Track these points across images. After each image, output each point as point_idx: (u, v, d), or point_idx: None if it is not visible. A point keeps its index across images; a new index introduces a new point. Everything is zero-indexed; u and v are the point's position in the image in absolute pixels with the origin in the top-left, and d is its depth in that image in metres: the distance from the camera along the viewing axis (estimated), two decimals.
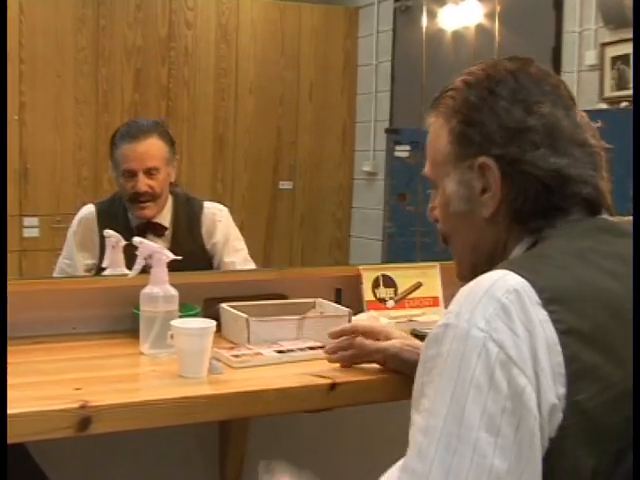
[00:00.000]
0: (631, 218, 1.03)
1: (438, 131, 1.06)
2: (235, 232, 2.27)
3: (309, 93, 4.62)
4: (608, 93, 3.32)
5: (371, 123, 4.62)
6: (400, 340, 1.37)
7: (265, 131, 4.52)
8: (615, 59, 3.30)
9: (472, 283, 0.88)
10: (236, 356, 1.47)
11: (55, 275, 2.13)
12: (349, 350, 1.41)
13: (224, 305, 1.69)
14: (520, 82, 1.01)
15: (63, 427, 1.16)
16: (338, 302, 1.79)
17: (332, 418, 1.58)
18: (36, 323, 1.59)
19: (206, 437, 1.85)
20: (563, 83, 1.05)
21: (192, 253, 2.07)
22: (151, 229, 2.13)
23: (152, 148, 2.11)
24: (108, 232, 1.87)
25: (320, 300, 1.79)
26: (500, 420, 0.79)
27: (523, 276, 0.85)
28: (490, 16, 3.81)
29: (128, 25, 4.14)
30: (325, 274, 1.96)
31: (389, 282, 1.95)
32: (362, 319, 1.76)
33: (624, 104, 3.12)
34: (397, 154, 4.18)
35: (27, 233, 3.98)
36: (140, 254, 1.56)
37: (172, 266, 1.55)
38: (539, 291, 0.83)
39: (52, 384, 1.31)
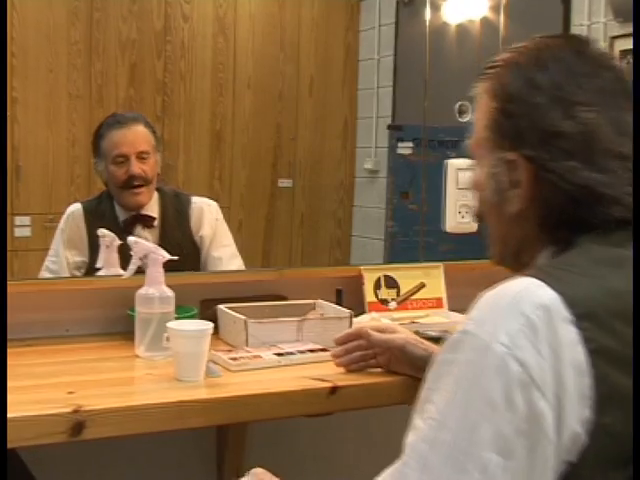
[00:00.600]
0: None
1: (482, 107, 1.02)
2: (223, 227, 2.30)
3: (309, 88, 4.61)
4: None
5: (373, 119, 4.61)
6: (406, 333, 1.39)
7: (264, 127, 4.51)
8: (624, 52, 3.30)
9: (496, 291, 0.85)
10: (234, 359, 1.47)
11: (41, 275, 2.15)
12: (355, 352, 1.42)
13: (222, 306, 1.69)
14: (569, 72, 0.94)
15: (56, 432, 1.16)
16: (339, 303, 1.79)
17: (332, 423, 1.58)
18: (28, 325, 1.59)
19: (203, 442, 1.85)
20: (622, 74, 0.98)
21: (181, 245, 2.14)
22: (140, 221, 2.17)
23: (141, 133, 2.20)
24: (102, 231, 1.88)
25: (320, 301, 1.79)
26: (513, 442, 0.77)
27: (553, 287, 0.82)
28: (495, 9, 3.80)
29: (123, 18, 4.14)
30: (325, 274, 1.96)
31: (391, 283, 1.95)
32: (364, 321, 1.77)
33: None
34: (400, 151, 4.17)
35: (19, 232, 3.97)
36: (135, 254, 1.56)
37: (166, 264, 1.56)
38: (569, 306, 0.80)
39: (44, 388, 1.31)
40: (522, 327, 0.79)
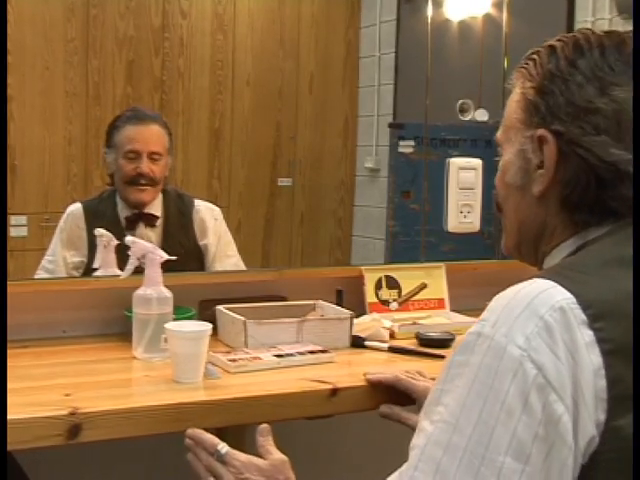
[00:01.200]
0: None
1: (515, 93, 1.03)
2: (227, 236, 2.31)
3: (309, 86, 4.61)
4: None
5: (374, 117, 4.61)
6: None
7: (263, 125, 4.51)
8: None
9: (510, 293, 0.85)
10: (233, 360, 1.47)
11: (37, 274, 2.16)
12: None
13: (220, 307, 1.69)
14: (606, 58, 0.96)
15: (52, 435, 1.16)
16: (339, 304, 1.79)
17: (333, 425, 1.58)
18: (24, 326, 1.60)
19: None
20: None
21: (184, 246, 2.15)
22: (142, 219, 2.18)
23: (156, 134, 2.21)
24: (100, 231, 1.88)
25: (320, 302, 1.79)
26: (530, 447, 0.77)
27: (568, 289, 0.82)
28: (498, 5, 3.81)
29: (120, 15, 4.14)
30: (326, 275, 1.96)
31: (392, 283, 1.95)
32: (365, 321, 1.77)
33: None
34: (401, 150, 4.17)
35: (15, 232, 3.97)
36: (133, 254, 1.56)
37: (166, 264, 1.56)
38: (585, 307, 0.81)
39: (41, 390, 1.31)
40: (538, 329, 0.79)
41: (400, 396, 1.38)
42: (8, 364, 1.39)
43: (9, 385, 1.25)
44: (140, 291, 1.53)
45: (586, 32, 1.01)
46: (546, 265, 1.00)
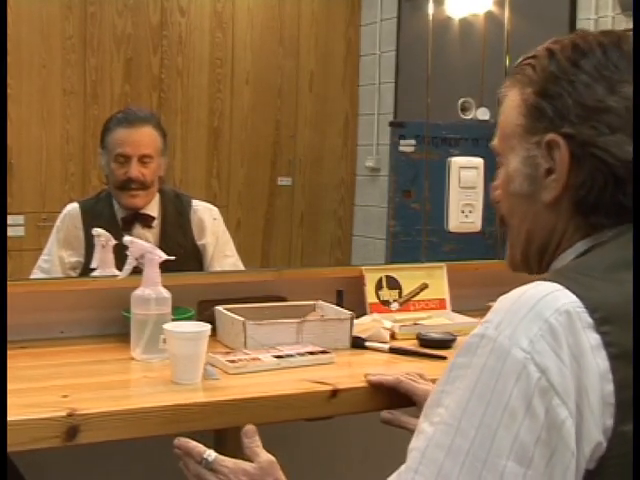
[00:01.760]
0: None
1: (511, 100, 1.01)
2: (225, 236, 2.31)
3: (309, 84, 4.61)
4: None
5: (374, 116, 4.61)
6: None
7: (263, 124, 4.51)
8: None
9: (515, 294, 0.84)
10: (232, 361, 1.47)
11: (33, 274, 2.16)
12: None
13: (219, 308, 1.69)
14: (609, 57, 0.95)
15: (49, 436, 1.16)
16: (339, 305, 1.79)
17: (333, 427, 1.58)
18: (22, 327, 1.60)
19: None
20: None
21: (181, 246, 2.16)
22: (139, 220, 2.18)
23: (147, 136, 2.19)
24: (97, 231, 1.88)
25: (320, 302, 1.79)
26: (532, 450, 0.77)
27: (574, 292, 0.82)
28: (500, 3, 3.80)
29: (118, 12, 4.14)
30: (326, 275, 1.97)
31: (393, 283, 1.96)
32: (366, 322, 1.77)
33: None
34: (402, 149, 4.17)
35: (11, 232, 3.97)
36: (131, 254, 1.57)
37: (164, 265, 1.56)
38: (592, 311, 0.81)
39: (38, 391, 1.31)
40: (542, 332, 0.79)
41: (401, 398, 1.38)
42: None
43: None
44: (138, 291, 1.53)
45: (581, 33, 0.99)
46: (552, 269, 0.99)
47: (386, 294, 1.94)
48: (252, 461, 1.13)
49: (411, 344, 1.71)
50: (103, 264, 1.86)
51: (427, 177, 3.70)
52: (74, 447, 1.18)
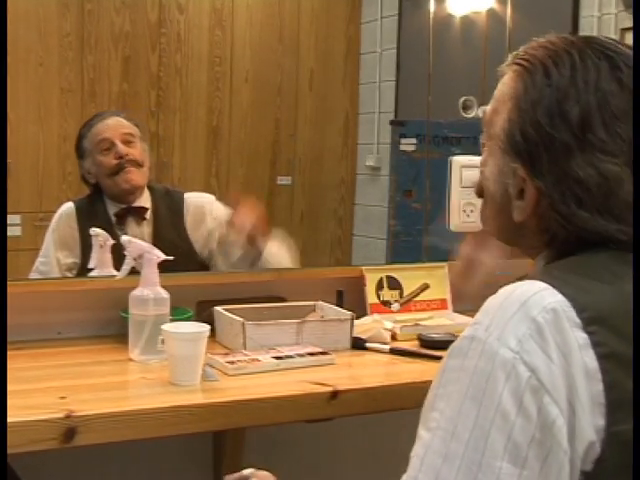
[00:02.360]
0: None
1: (502, 98, 0.97)
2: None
3: (309, 82, 4.61)
4: None
5: (375, 115, 4.61)
6: None
7: (262, 123, 4.52)
8: None
9: (503, 294, 0.85)
10: (231, 362, 1.47)
11: (31, 276, 2.15)
12: None
13: (218, 308, 1.69)
14: (602, 106, 0.88)
15: (47, 438, 1.16)
16: (340, 305, 1.79)
17: (333, 428, 1.58)
18: (19, 327, 1.60)
19: (199, 449, 1.85)
20: None
21: (174, 242, 2.13)
22: (132, 213, 2.18)
23: (122, 121, 2.25)
24: (95, 231, 1.88)
25: (320, 303, 1.79)
26: (526, 450, 0.77)
27: (561, 291, 0.82)
28: (502, 0, 3.81)
29: (115, 9, 4.14)
30: (326, 275, 1.97)
31: (394, 284, 1.96)
32: (364, 322, 1.77)
33: None
34: (402, 148, 4.17)
35: (8, 232, 3.96)
36: (129, 254, 1.57)
37: (161, 263, 1.56)
38: (579, 310, 0.81)
39: (35, 392, 1.32)
40: (530, 331, 0.80)
41: (402, 400, 1.38)
42: None
43: None
44: (136, 292, 1.53)
45: (583, 51, 0.92)
46: (539, 259, 0.98)
47: (387, 294, 1.94)
48: None
49: (412, 345, 1.71)
50: (101, 264, 1.86)
51: (428, 176, 3.71)
52: (72, 449, 1.18)
